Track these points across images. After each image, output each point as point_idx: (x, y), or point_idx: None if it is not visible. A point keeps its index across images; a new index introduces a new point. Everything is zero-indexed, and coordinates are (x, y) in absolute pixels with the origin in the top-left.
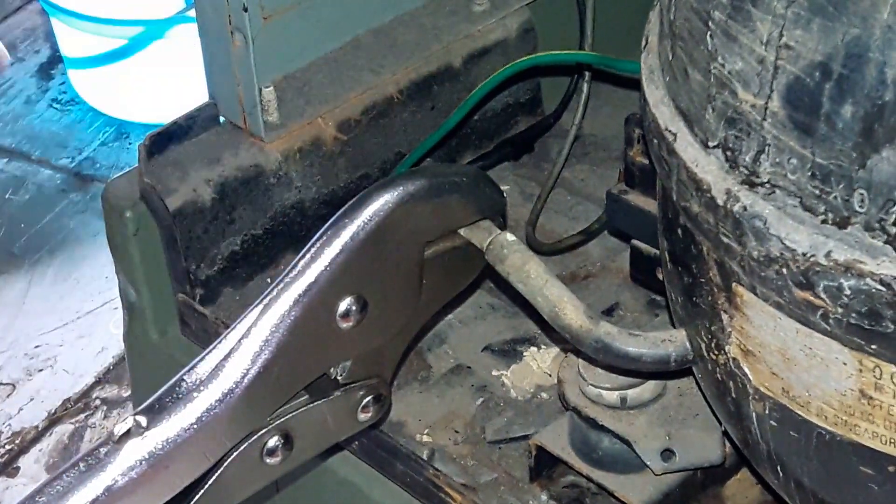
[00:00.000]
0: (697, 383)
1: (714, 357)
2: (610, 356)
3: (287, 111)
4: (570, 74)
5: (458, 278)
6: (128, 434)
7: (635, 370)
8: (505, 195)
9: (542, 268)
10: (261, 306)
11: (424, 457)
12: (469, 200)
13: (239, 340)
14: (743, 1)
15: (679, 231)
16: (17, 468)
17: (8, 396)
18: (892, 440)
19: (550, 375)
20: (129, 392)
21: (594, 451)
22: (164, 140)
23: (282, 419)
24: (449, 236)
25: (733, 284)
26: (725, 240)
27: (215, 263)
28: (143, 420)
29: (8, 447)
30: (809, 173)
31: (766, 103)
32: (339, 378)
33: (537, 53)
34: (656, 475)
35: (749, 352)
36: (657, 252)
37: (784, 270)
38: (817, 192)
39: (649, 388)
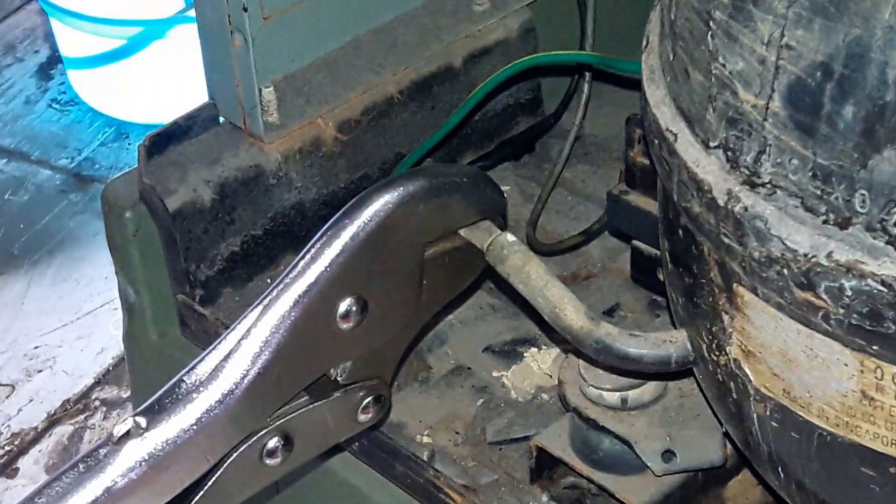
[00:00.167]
0: (698, 384)
1: (715, 358)
2: (611, 357)
3: (287, 111)
4: (571, 75)
5: (458, 279)
6: (127, 435)
7: (636, 371)
8: (505, 195)
9: (542, 268)
10: (261, 307)
11: (425, 458)
12: (469, 201)
13: (239, 341)
14: (744, 1)
15: (680, 232)
16: (17, 469)
17: (7, 397)
18: (894, 441)
19: (551, 376)
20: (128, 393)
21: (595, 452)
22: (163, 140)
23: (282, 420)
24: (449, 237)
25: (734, 285)
26: (726, 240)
27: (215, 264)
28: (142, 421)
29: (7, 448)
30: (811, 174)
31: (768, 103)
32: (339, 379)
33: (538, 53)
34: (657, 476)
35: (750, 353)
36: (658, 253)
37: (785, 271)
38: (818, 192)
39: (650, 389)
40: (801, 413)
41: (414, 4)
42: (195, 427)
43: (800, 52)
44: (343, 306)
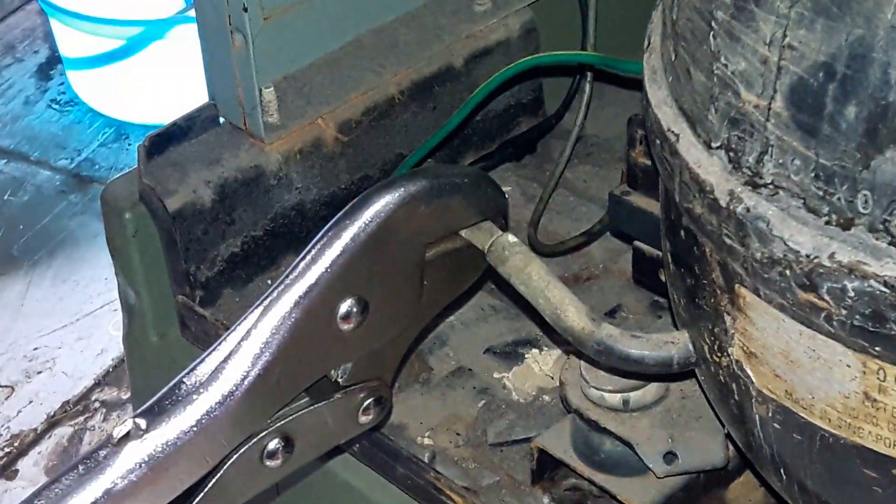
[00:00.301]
0: (700, 386)
1: (717, 359)
2: (612, 358)
3: (287, 112)
4: (573, 75)
5: (459, 280)
6: (127, 436)
7: (638, 372)
8: (506, 196)
9: (543, 269)
10: (261, 308)
11: (425, 459)
12: (470, 202)
13: (239, 342)
14: (746, 1)
15: (682, 232)
16: (16, 471)
17: (7, 399)
18: None
19: (552, 378)
20: (128, 394)
21: (596, 453)
22: (163, 141)
23: (282, 422)
24: (450, 238)
25: (736, 286)
26: (728, 241)
27: (215, 265)
28: (142, 422)
29: (7, 450)
30: (813, 174)
31: (770, 104)
32: (339, 380)
33: (539, 54)
34: (659, 478)
35: (752, 354)
36: (660, 253)
37: (787, 272)
38: (821, 193)
39: (652, 390)
40: (803, 415)
41: (415, 4)
42: (195, 429)
43: (802, 52)
44: (344, 307)
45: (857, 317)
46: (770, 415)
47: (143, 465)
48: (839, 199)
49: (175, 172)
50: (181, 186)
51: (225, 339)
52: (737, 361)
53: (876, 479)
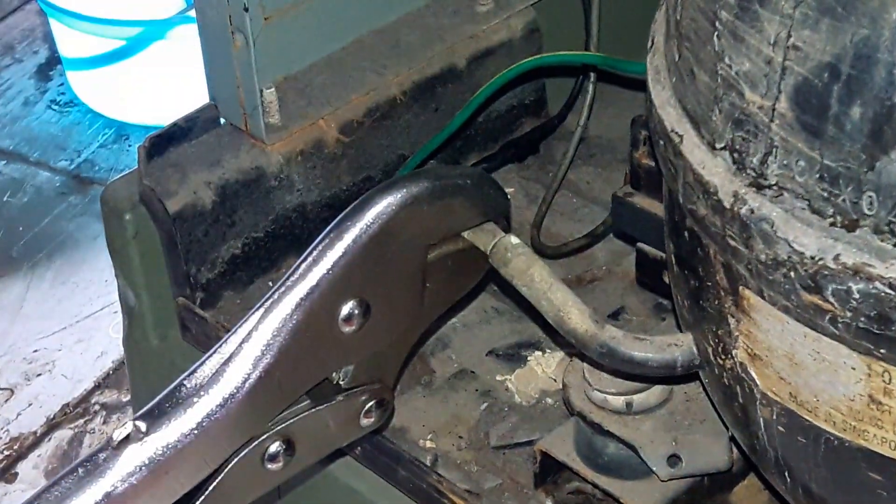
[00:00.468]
0: (704, 388)
1: (721, 361)
2: (615, 361)
3: (288, 113)
4: (576, 75)
5: (461, 282)
6: (127, 439)
7: (641, 375)
8: (509, 197)
9: (546, 271)
10: (262, 310)
11: (428, 463)
12: (473, 203)
13: (240, 345)
14: (750, 1)
15: (685, 234)
16: (16, 474)
17: (6, 401)
18: None
19: (555, 380)
20: (128, 397)
21: (600, 456)
22: (163, 142)
23: (283, 424)
24: (452, 239)
25: (740, 288)
26: (732, 243)
27: (216, 267)
28: (142, 425)
29: (6, 453)
30: (818, 175)
31: (774, 105)
32: (341, 383)
33: (542, 54)
34: (662, 481)
35: (756, 356)
36: (663, 255)
37: (792, 274)
38: (826, 194)
39: (655, 392)
40: (807, 417)
41: (417, 4)
42: (196, 431)
43: (807, 52)
44: (345, 309)
45: (862, 319)
46: (774, 417)
47: (143, 468)
48: (844, 200)
49: (175, 173)
50: (182, 188)
51: (225, 341)
52: (741, 364)
53: (881, 483)
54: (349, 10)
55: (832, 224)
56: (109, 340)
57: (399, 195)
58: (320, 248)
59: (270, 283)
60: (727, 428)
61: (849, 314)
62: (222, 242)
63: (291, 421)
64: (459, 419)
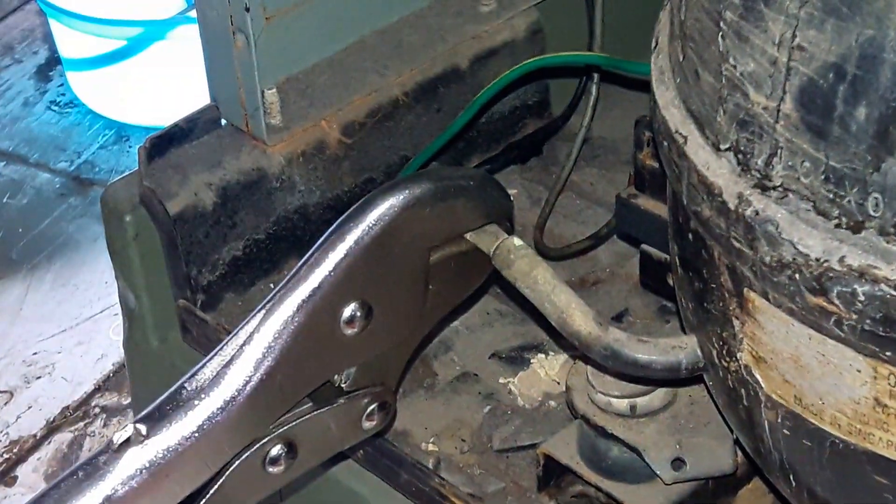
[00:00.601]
0: (708, 391)
1: (725, 364)
2: (619, 363)
3: (290, 113)
4: (579, 76)
5: (464, 284)
6: (127, 442)
7: (645, 377)
8: (512, 199)
9: (549, 273)
10: (263, 312)
11: (430, 466)
12: (475, 204)
13: (241, 347)
14: (755, 1)
15: (690, 236)
16: (15, 477)
17: (6, 404)
18: None
19: (559, 383)
20: (128, 400)
21: (603, 459)
22: (164, 143)
23: (285, 427)
24: (455, 241)
25: (745, 290)
26: (737, 244)
27: (217, 268)
28: (143, 428)
29: (6, 456)
30: (823, 177)
31: (779, 105)
32: (343, 385)
33: (545, 55)
34: (667, 485)
35: (761, 358)
36: (667, 257)
37: (797, 276)
38: (831, 195)
39: (659, 395)
40: (813, 420)
41: (419, 5)
42: (197, 434)
43: (812, 52)
44: (347, 311)
45: (868, 321)
46: (779, 420)
47: (143, 471)
48: (849, 201)
49: (176, 175)
50: (182, 189)
51: (227, 343)
52: (745, 366)
53: (886, 486)
54: (351, 11)
55: (837, 226)
56: (110, 343)
57: (401, 197)
58: (322, 249)
59: (272, 285)
60: (732, 431)
61: (854, 316)
62: (223, 244)
63: (293, 424)
64: (462, 422)
